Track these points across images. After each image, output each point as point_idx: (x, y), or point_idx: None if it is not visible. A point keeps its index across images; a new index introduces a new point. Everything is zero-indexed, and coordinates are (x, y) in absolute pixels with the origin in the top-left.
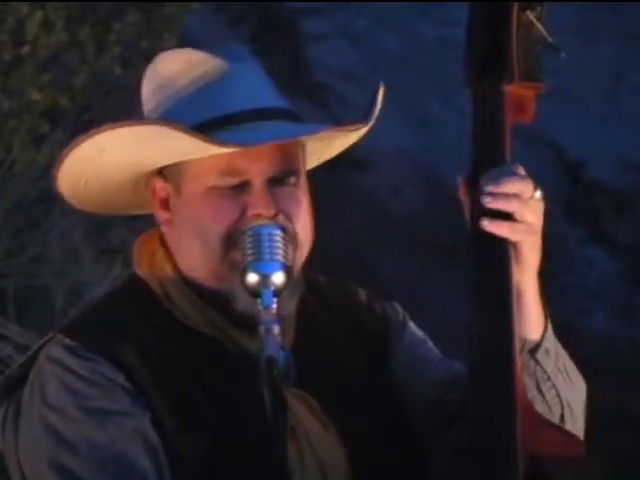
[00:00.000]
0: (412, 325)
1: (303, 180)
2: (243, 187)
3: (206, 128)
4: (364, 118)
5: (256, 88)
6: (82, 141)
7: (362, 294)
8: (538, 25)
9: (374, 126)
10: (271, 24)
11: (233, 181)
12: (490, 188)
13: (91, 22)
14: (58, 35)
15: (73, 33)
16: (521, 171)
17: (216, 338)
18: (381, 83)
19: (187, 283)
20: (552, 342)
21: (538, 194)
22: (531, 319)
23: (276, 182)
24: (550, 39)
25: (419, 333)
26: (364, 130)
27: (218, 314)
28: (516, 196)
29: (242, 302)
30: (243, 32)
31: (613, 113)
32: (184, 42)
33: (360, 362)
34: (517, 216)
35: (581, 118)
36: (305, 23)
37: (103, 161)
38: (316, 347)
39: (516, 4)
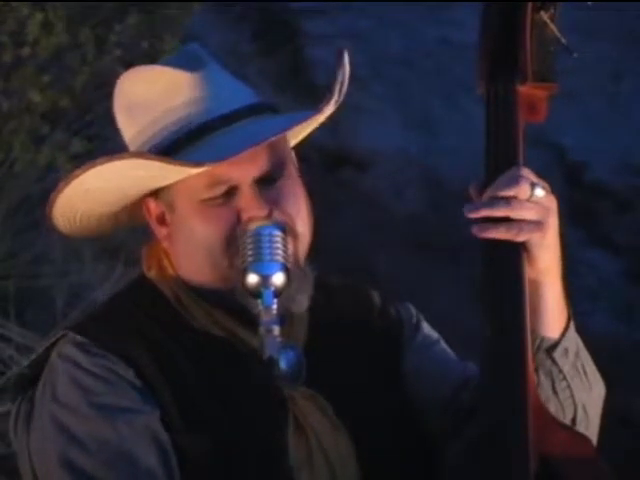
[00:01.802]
0: (425, 326)
1: (292, 169)
2: (232, 193)
3: (180, 145)
4: (332, 96)
5: (221, 92)
6: (66, 185)
7: (375, 296)
8: (552, 26)
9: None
10: (272, 24)
11: (221, 190)
12: (479, 200)
13: (91, 23)
14: (58, 36)
15: (74, 34)
16: (522, 173)
17: (226, 339)
18: (344, 50)
19: (192, 288)
20: (573, 342)
21: (539, 192)
22: (550, 318)
23: (265, 180)
24: (564, 40)
25: (433, 334)
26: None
27: (227, 316)
28: (509, 199)
29: (251, 304)
30: (244, 32)
31: (614, 114)
32: (185, 43)
33: (371, 363)
34: (515, 217)
35: (582, 119)
36: (306, 23)
37: (90, 199)
38: (328, 347)
39: (530, 4)
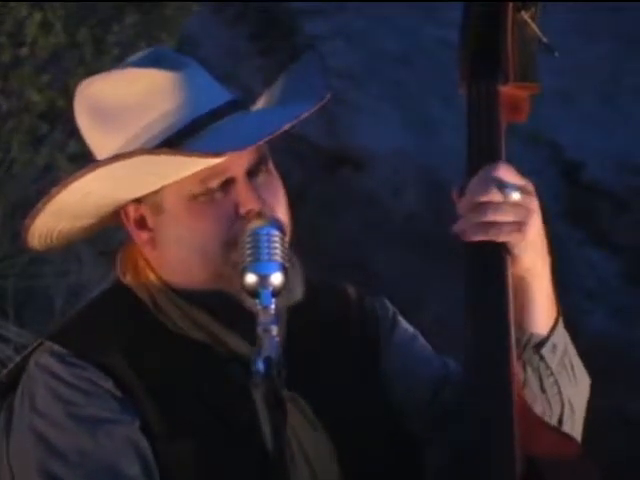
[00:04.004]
0: (402, 322)
1: (272, 165)
2: (227, 186)
3: (175, 142)
4: (321, 94)
5: (202, 89)
6: (62, 189)
7: (352, 293)
8: (532, 25)
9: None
10: (270, 24)
11: (216, 182)
12: (460, 209)
13: (90, 23)
14: (57, 36)
15: (72, 34)
16: (492, 175)
17: (205, 343)
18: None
19: (173, 290)
20: (561, 338)
21: (513, 194)
22: (538, 314)
23: (253, 173)
24: (544, 39)
25: (410, 330)
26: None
27: (209, 318)
28: (483, 205)
29: (249, 302)
30: (242, 32)
31: (612, 114)
32: (183, 43)
33: (350, 361)
34: (492, 221)
35: (580, 119)
36: (305, 23)
37: (86, 203)
38: (306, 347)
39: (510, 4)
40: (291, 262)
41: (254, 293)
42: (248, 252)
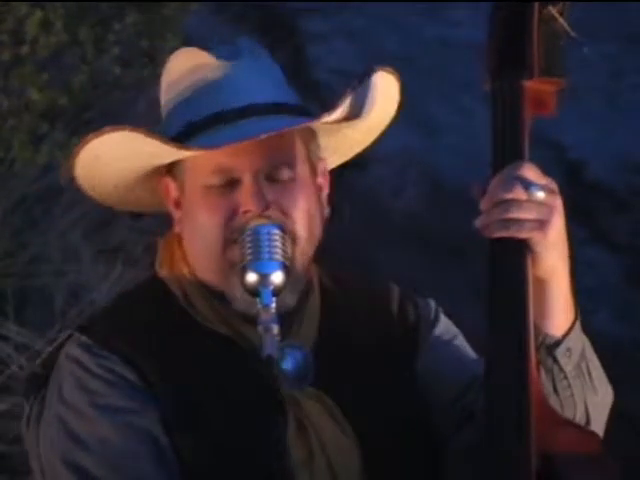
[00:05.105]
0: (443, 323)
1: (303, 173)
2: (234, 185)
3: (195, 129)
4: (334, 110)
5: (249, 85)
6: (80, 149)
7: (395, 294)
8: (560, 20)
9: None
10: (271, 24)
11: (222, 179)
12: (483, 205)
13: (90, 22)
14: (57, 35)
15: (72, 33)
16: (517, 173)
17: (230, 337)
18: (375, 69)
19: (201, 283)
20: (578, 343)
21: (537, 193)
22: (555, 316)
23: (269, 177)
24: (573, 34)
25: (450, 331)
26: (378, 125)
27: (232, 313)
28: (507, 202)
29: (242, 301)
30: (243, 32)
31: (613, 113)
32: (184, 42)
33: (384, 362)
34: (514, 218)
35: (581, 117)
36: (305, 23)
37: (102, 166)
38: (340, 346)
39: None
40: (295, 271)
41: (254, 292)
42: (249, 251)
